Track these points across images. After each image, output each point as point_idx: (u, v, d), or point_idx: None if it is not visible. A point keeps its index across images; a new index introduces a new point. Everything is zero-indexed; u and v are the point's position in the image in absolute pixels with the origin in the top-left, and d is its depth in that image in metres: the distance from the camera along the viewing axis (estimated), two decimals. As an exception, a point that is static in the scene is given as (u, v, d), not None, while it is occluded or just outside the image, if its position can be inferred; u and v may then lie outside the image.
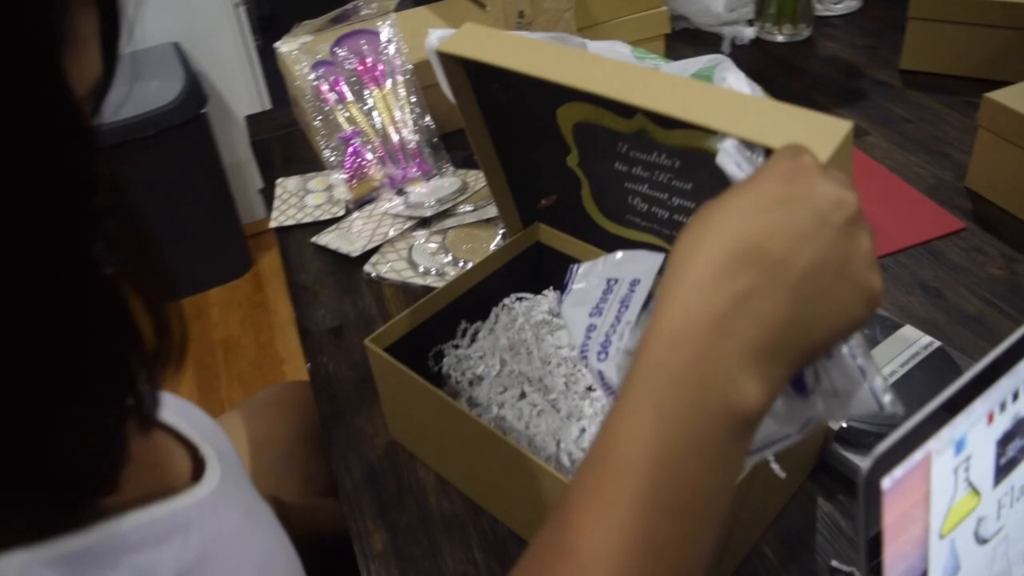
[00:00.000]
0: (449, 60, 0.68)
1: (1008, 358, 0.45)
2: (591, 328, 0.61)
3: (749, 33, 1.38)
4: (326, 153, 1.12)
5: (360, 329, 0.91)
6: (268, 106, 2.50)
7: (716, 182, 0.61)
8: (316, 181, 1.15)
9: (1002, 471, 0.49)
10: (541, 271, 0.84)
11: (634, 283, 0.62)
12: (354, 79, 1.12)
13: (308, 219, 1.08)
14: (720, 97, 0.53)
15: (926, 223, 0.98)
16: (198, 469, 0.49)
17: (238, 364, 2.32)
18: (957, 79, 1.23)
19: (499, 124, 0.75)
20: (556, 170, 0.75)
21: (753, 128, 0.49)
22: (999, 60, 1.19)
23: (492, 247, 0.97)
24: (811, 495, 0.70)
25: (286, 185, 1.15)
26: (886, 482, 0.41)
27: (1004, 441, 0.48)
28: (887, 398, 0.52)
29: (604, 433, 0.39)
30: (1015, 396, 0.47)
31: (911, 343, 0.78)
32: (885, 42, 1.37)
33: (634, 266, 0.64)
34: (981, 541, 0.50)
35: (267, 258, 2.61)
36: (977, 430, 0.45)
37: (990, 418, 0.46)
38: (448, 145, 1.15)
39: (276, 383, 1.27)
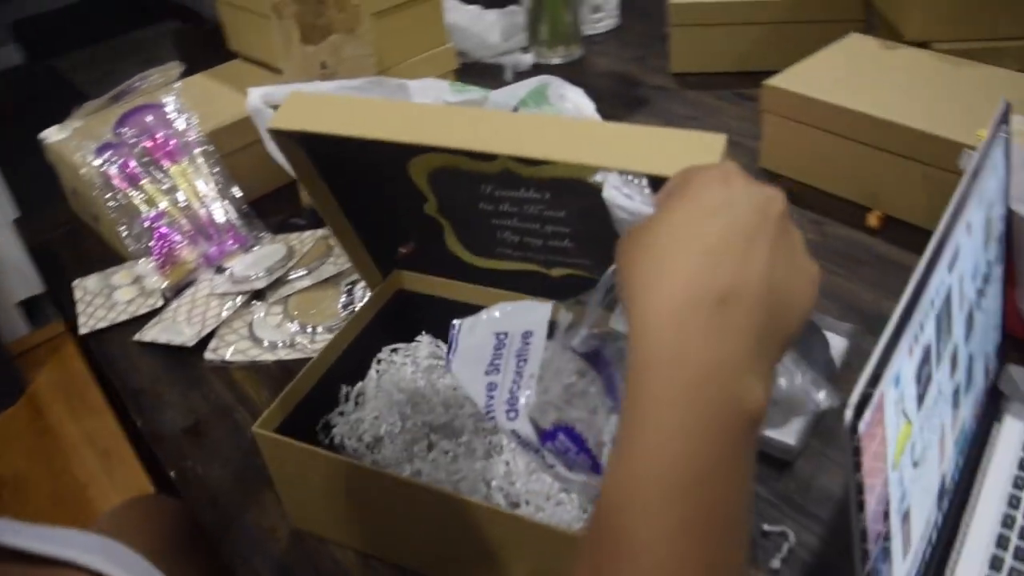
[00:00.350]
0: (281, 134, 0.64)
1: (915, 295, 0.49)
2: (492, 387, 0.58)
3: (528, 59, 1.43)
4: (128, 242, 1.02)
5: (220, 422, 0.84)
6: (13, 214, 2.26)
7: (590, 204, 0.61)
8: (120, 275, 1.05)
9: (920, 397, 0.52)
10: (408, 319, 0.81)
11: (527, 335, 0.59)
12: (146, 158, 1.04)
13: (123, 317, 0.98)
14: (589, 132, 0.53)
15: (738, 204, 1.05)
16: None
17: (33, 502, 2.06)
18: (722, 75, 1.34)
19: (343, 185, 0.71)
20: (413, 219, 0.73)
21: (636, 159, 0.49)
22: (755, 53, 1.32)
23: (339, 305, 0.93)
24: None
25: (85, 286, 1.04)
26: (861, 426, 0.43)
27: (920, 368, 0.51)
28: (821, 394, 0.54)
29: (625, 473, 0.37)
30: (922, 327, 0.51)
31: (769, 311, 0.83)
32: (650, 51, 1.47)
33: (522, 318, 0.60)
34: (915, 465, 0.54)
35: (42, 376, 2.35)
36: (906, 364, 0.48)
37: (910, 351, 0.49)
38: (260, 212, 1.09)
39: (86, 513, 1.13)
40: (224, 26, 1.30)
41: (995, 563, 0.62)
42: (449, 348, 0.60)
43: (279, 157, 0.82)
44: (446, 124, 0.56)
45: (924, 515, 0.58)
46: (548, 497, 0.64)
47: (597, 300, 0.56)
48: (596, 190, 0.58)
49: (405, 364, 0.76)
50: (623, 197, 0.49)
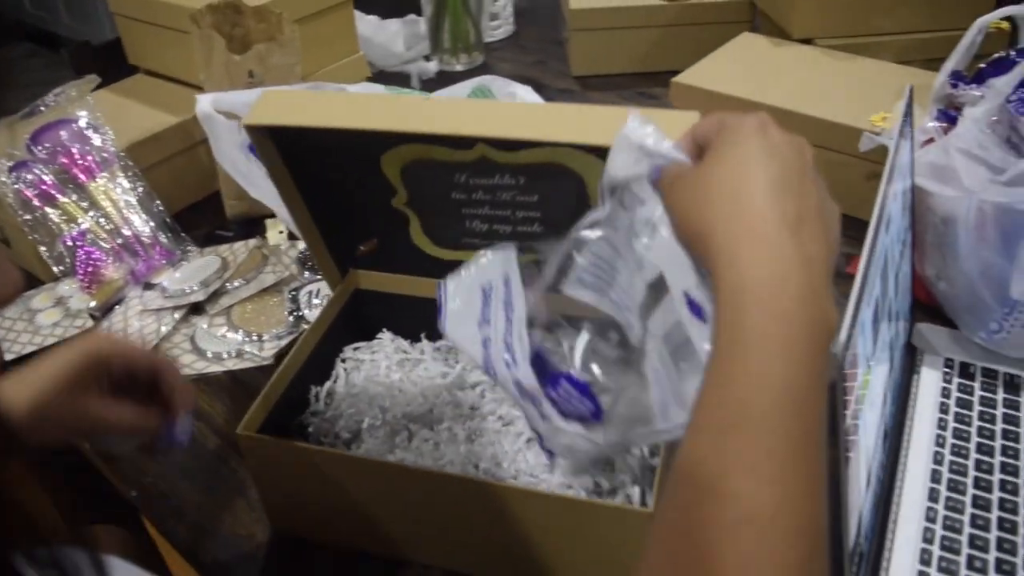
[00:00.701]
0: (256, 130, 0.64)
1: (871, 250, 0.55)
2: (486, 342, 0.59)
3: (432, 67, 1.46)
4: (49, 262, 0.99)
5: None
6: None
7: (563, 187, 0.64)
8: (40, 298, 1.00)
9: (875, 343, 0.59)
10: (366, 318, 0.83)
11: (507, 280, 0.60)
12: (64, 175, 1.00)
13: (51, 340, 0.95)
14: (563, 113, 0.56)
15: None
16: None
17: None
18: (622, 76, 1.41)
19: (311, 181, 0.72)
20: (379, 213, 0.74)
21: (600, 132, 0.53)
22: (652, 54, 1.39)
23: (286, 312, 0.93)
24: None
25: (3, 312, 1.00)
26: (846, 366, 0.48)
27: (874, 319, 0.58)
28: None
29: (728, 395, 0.38)
30: (874, 282, 0.57)
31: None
32: (549, 56, 1.52)
33: (500, 265, 0.61)
34: (870, 407, 0.60)
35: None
36: (866, 313, 0.54)
37: (868, 302, 0.55)
38: (184, 225, 1.07)
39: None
40: (124, 41, 1.27)
41: (932, 495, 0.70)
42: (438, 312, 0.60)
43: (227, 164, 0.82)
44: (425, 112, 0.58)
45: (872, 452, 0.64)
46: (532, 475, 0.67)
47: (546, 283, 0.57)
48: (572, 172, 0.62)
49: (374, 360, 0.77)
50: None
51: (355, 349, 0.80)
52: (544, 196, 0.66)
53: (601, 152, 0.58)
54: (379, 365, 0.76)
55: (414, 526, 0.65)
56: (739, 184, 0.41)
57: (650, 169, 0.47)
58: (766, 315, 0.38)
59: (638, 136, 0.47)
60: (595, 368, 0.57)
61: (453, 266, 0.75)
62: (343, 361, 0.79)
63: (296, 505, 0.69)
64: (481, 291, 0.61)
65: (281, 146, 0.67)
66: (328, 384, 0.76)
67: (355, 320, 0.82)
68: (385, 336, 0.81)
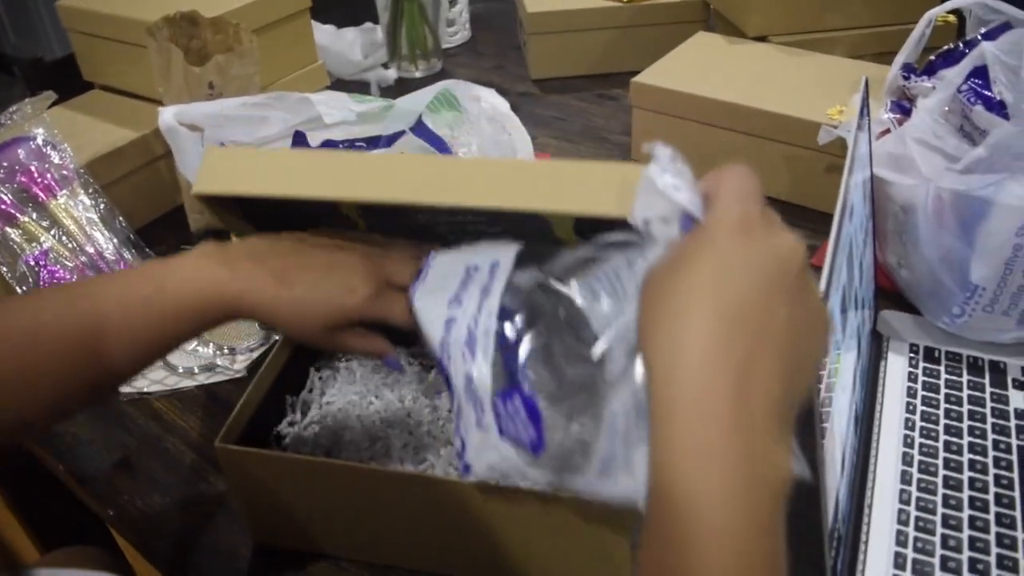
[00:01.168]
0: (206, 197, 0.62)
1: (837, 237, 0.56)
2: (450, 322, 0.54)
3: (391, 75, 1.46)
4: (12, 283, 0.97)
5: (150, 453, 0.81)
6: None
7: (526, 223, 0.58)
8: (3, 320, 0.98)
9: (843, 329, 0.60)
10: None
11: (494, 266, 0.55)
12: (23, 194, 0.98)
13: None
14: (531, 174, 0.53)
15: (620, 194, 1.13)
16: None
17: None
18: (580, 78, 1.43)
19: (270, 225, 0.67)
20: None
21: (572, 199, 0.50)
22: (609, 56, 1.41)
23: (258, 324, 0.92)
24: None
25: (-36, 335, 0.97)
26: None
27: (842, 305, 0.59)
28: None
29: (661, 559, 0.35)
30: (840, 268, 0.58)
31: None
32: (506, 60, 1.53)
33: (494, 251, 0.57)
34: (841, 391, 0.61)
35: None
36: (835, 300, 0.56)
37: (837, 289, 0.57)
38: (148, 240, 1.05)
39: None
40: (78, 57, 1.25)
41: (905, 477, 0.71)
42: (417, 276, 0.58)
43: (191, 177, 0.81)
44: (378, 175, 0.55)
45: (847, 439, 0.66)
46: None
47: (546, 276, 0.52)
48: (540, 216, 0.56)
49: (348, 367, 0.77)
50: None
51: (329, 358, 0.80)
52: (508, 230, 0.62)
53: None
54: (354, 373, 0.76)
55: (397, 531, 0.65)
56: (693, 306, 0.37)
57: (680, 218, 0.42)
58: (695, 470, 0.34)
59: (659, 183, 0.43)
60: (544, 373, 0.52)
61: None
62: (318, 370, 0.78)
63: (277, 516, 0.68)
64: (465, 269, 0.57)
65: (237, 200, 0.64)
66: (303, 394, 0.76)
67: None
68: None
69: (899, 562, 0.65)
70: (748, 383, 0.35)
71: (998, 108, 0.83)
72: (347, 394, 0.75)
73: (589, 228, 0.55)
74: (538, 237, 0.58)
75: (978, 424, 0.76)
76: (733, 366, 0.35)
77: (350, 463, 0.63)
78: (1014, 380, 0.80)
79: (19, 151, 1.00)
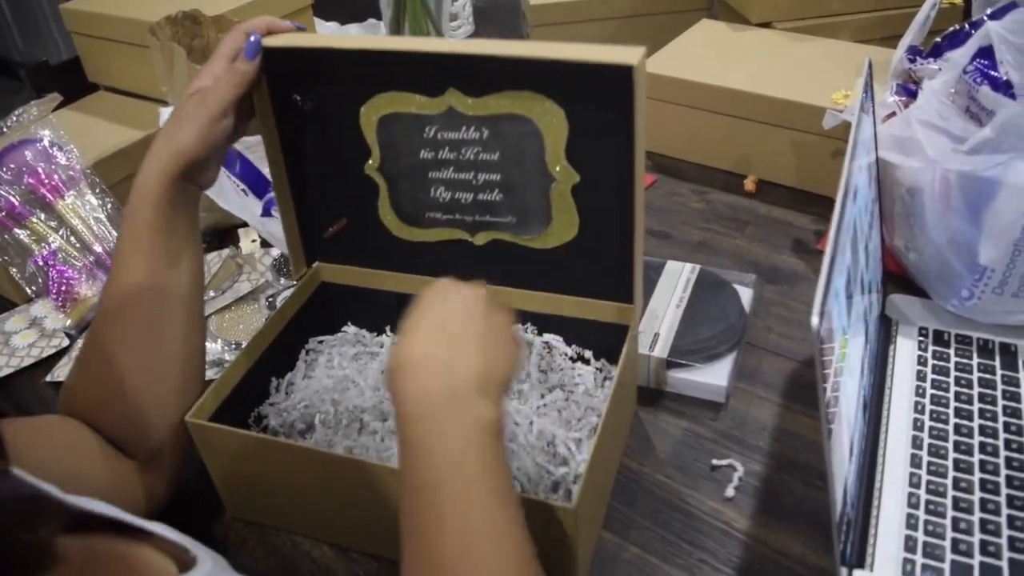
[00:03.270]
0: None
1: (840, 217, 0.56)
2: None
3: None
4: (21, 284, 0.97)
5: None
6: None
7: (525, 145, 0.66)
8: (14, 320, 0.99)
9: (848, 313, 0.60)
10: (329, 310, 0.84)
11: None
12: (31, 196, 0.99)
13: (28, 361, 0.93)
14: (524, 43, 0.62)
15: (626, 184, 1.13)
16: (187, 565, 0.49)
17: None
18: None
19: (295, 143, 0.75)
20: (352, 183, 0.75)
21: (570, 52, 0.59)
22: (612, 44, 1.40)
23: (264, 319, 0.93)
24: (659, 425, 0.78)
25: (-25, 336, 0.98)
26: (823, 332, 0.49)
27: (847, 286, 0.59)
28: None
29: (416, 463, 0.49)
30: (844, 249, 0.58)
31: (680, 272, 0.90)
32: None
33: None
34: (849, 375, 0.61)
35: None
36: (839, 281, 0.55)
37: (840, 271, 0.56)
38: (155, 240, 1.06)
39: None
40: (83, 59, 1.26)
41: (915, 460, 0.71)
42: None
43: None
44: (402, 43, 0.66)
45: (855, 422, 0.65)
46: None
47: None
48: (533, 127, 0.66)
49: (330, 353, 0.79)
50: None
51: (319, 342, 0.81)
52: (506, 154, 0.69)
53: (562, 97, 0.63)
54: (335, 358, 0.77)
55: (359, 515, 0.66)
56: (411, 330, 0.53)
57: None
58: (420, 423, 0.49)
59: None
60: None
61: (416, 249, 0.77)
62: (307, 353, 0.80)
63: (248, 492, 0.70)
64: None
65: (275, 99, 0.71)
66: (289, 375, 0.77)
67: (325, 314, 0.83)
68: (349, 330, 0.82)
69: (910, 545, 0.65)
70: (453, 366, 0.51)
71: (1004, 88, 0.82)
72: (325, 379, 0.76)
73: (580, 153, 0.66)
74: (532, 163, 0.67)
75: (989, 407, 0.75)
76: (438, 370, 0.51)
77: (306, 446, 0.64)
78: (1025, 362, 0.79)
79: (26, 153, 1.00)
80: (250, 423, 0.74)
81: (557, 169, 0.68)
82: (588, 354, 0.77)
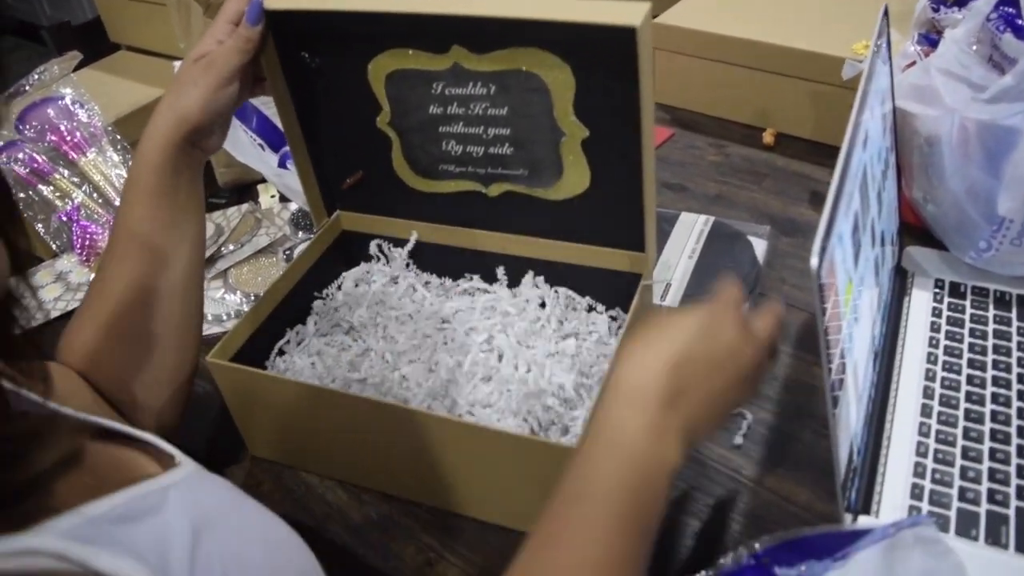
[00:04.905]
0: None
1: (845, 163, 0.55)
2: None
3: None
4: (47, 239, 1.00)
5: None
6: None
7: (532, 100, 0.66)
8: (41, 274, 1.01)
9: (855, 258, 0.59)
10: (352, 258, 0.85)
11: None
12: (54, 152, 1.01)
13: (55, 314, 0.96)
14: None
15: (643, 139, 1.12)
16: (169, 462, 0.51)
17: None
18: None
19: (307, 101, 0.75)
20: (365, 137, 0.76)
21: (573, 12, 0.58)
22: None
23: (282, 271, 0.94)
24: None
25: (4, 290, 1.01)
26: (823, 274, 0.49)
27: (853, 232, 0.58)
28: None
29: (578, 473, 0.49)
30: (851, 195, 0.58)
31: (693, 224, 0.89)
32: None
33: None
34: (856, 321, 0.61)
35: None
36: (844, 225, 0.55)
37: (846, 214, 0.56)
38: (177, 196, 1.07)
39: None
40: (104, 19, 1.27)
41: (925, 410, 0.71)
42: None
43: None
44: (408, 3, 0.65)
45: (864, 370, 0.65)
46: (487, 405, 0.70)
47: None
48: (540, 83, 0.66)
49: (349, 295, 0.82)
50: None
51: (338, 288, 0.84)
52: (514, 109, 0.69)
53: (567, 54, 0.63)
54: (351, 311, 0.80)
55: (372, 456, 0.68)
56: (662, 338, 0.52)
57: None
58: (619, 428, 0.49)
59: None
60: None
61: (431, 200, 0.78)
62: (328, 296, 0.83)
63: (266, 431, 0.72)
64: None
65: (283, 58, 0.71)
66: (298, 327, 0.80)
67: (344, 261, 0.86)
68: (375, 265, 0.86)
69: (916, 493, 0.65)
70: (674, 405, 0.50)
71: (1028, 35, 0.80)
72: (336, 333, 0.79)
73: (588, 108, 0.65)
74: (541, 118, 0.67)
75: (1003, 358, 0.74)
76: (670, 388, 0.50)
77: (325, 387, 0.66)
78: (1042, 314, 0.78)
79: (48, 111, 1.02)
80: (267, 365, 0.76)
81: (566, 124, 0.68)
82: (601, 307, 0.78)
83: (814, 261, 0.47)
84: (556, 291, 0.77)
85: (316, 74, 0.73)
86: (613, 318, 0.77)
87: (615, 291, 0.76)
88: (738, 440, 0.71)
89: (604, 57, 0.60)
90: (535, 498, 0.63)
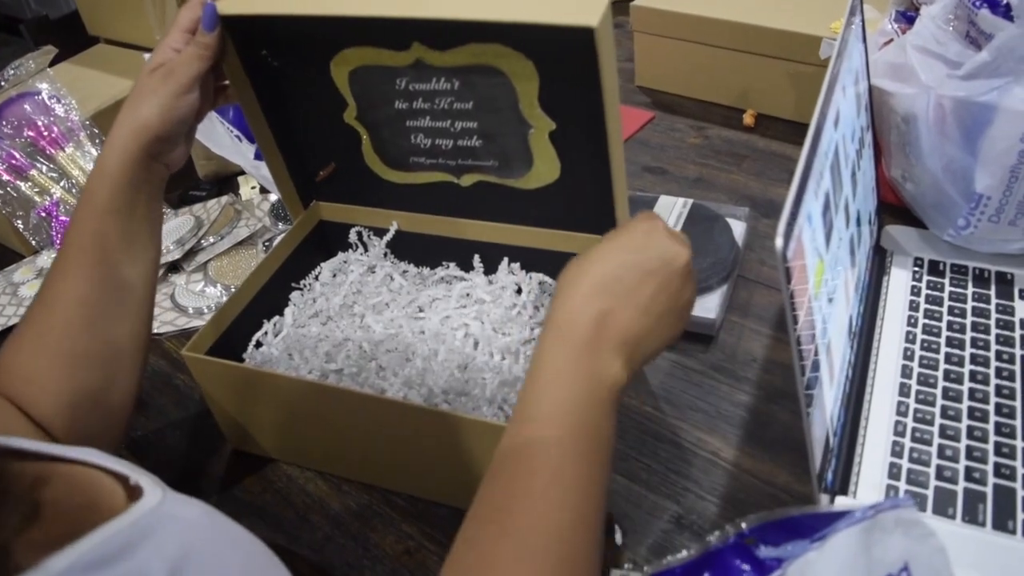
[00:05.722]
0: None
1: (814, 143, 0.55)
2: None
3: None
4: (26, 235, 0.99)
5: (162, 390, 0.84)
6: None
7: (497, 94, 0.66)
8: (22, 271, 1.01)
9: (827, 238, 0.59)
10: (331, 248, 0.85)
11: None
12: (31, 148, 1.00)
13: (35, 310, 0.95)
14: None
15: (625, 122, 1.11)
16: (135, 492, 0.46)
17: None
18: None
19: (272, 99, 0.74)
20: (334, 132, 0.75)
21: (530, 11, 0.56)
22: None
23: (261, 264, 0.94)
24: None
25: (-16, 287, 1.01)
26: (789, 254, 0.48)
27: (824, 212, 0.58)
28: None
29: (523, 405, 0.51)
30: (821, 175, 0.57)
31: (672, 207, 0.89)
32: None
33: None
34: (830, 301, 0.61)
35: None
36: (814, 205, 0.55)
37: (816, 195, 0.56)
38: (157, 190, 1.07)
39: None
40: (81, 11, 1.26)
41: (903, 390, 0.71)
42: None
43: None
44: (367, 1, 0.63)
45: (840, 351, 0.65)
46: (462, 394, 0.70)
47: None
48: (503, 76, 0.65)
49: (324, 296, 0.81)
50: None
51: (315, 278, 0.84)
52: (479, 103, 0.68)
53: (529, 50, 0.62)
54: (328, 300, 0.80)
55: (343, 443, 0.68)
56: (589, 263, 0.55)
57: None
58: (555, 355, 0.51)
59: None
60: None
61: (405, 191, 0.78)
62: (302, 293, 0.82)
63: (244, 424, 0.72)
64: None
65: (244, 56, 0.69)
66: (276, 319, 0.80)
67: (322, 250, 0.85)
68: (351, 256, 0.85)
69: (894, 472, 0.65)
70: (603, 325, 0.52)
71: (1004, 11, 0.80)
72: (313, 324, 0.79)
73: (553, 101, 0.65)
74: (507, 111, 0.66)
75: (981, 336, 0.74)
76: (595, 311, 0.52)
77: (300, 378, 0.66)
78: (1021, 291, 0.78)
79: (25, 106, 1.02)
80: (244, 358, 0.76)
81: (532, 117, 0.67)
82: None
83: (779, 242, 0.47)
84: (530, 276, 0.77)
85: (279, 73, 0.72)
86: (590, 305, 0.77)
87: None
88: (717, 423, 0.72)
89: (565, 55, 0.60)
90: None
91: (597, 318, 0.52)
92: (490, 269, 0.80)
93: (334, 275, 0.83)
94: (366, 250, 0.84)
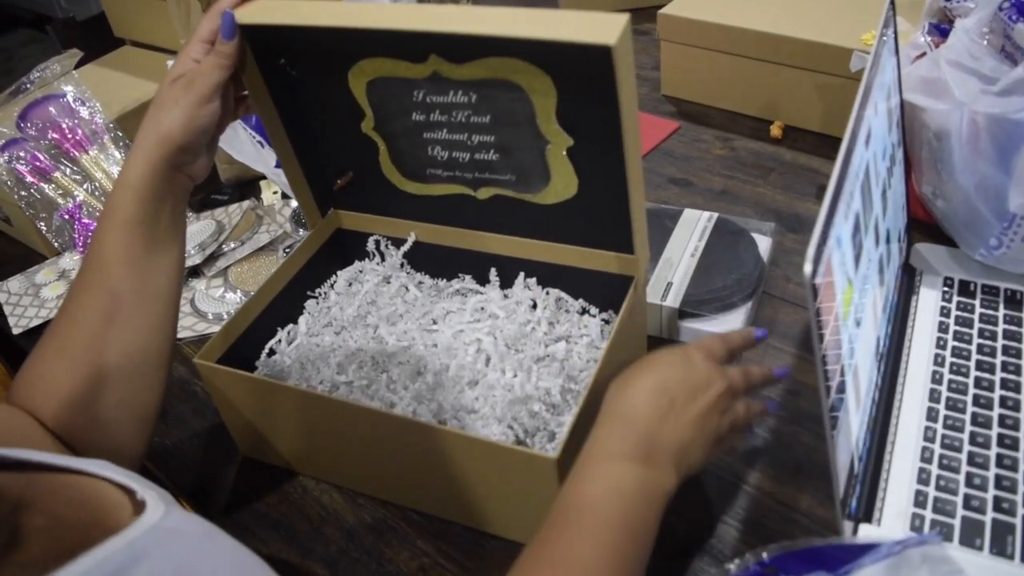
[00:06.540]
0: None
1: (844, 164, 0.54)
2: None
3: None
4: (49, 237, 1.00)
5: (180, 396, 0.84)
6: None
7: (515, 108, 0.65)
8: (44, 272, 1.02)
9: (856, 260, 0.58)
10: (348, 256, 0.85)
11: None
12: (56, 150, 1.01)
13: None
14: (505, 12, 0.57)
15: (650, 132, 1.10)
16: (139, 507, 0.46)
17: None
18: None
19: (291, 108, 0.74)
20: (352, 141, 0.75)
21: (548, 28, 0.55)
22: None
23: (281, 271, 0.94)
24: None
25: (8, 288, 1.01)
26: (817, 278, 0.47)
27: (853, 233, 0.57)
28: None
29: (570, 496, 0.53)
30: (851, 196, 0.56)
31: (696, 220, 0.88)
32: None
33: None
34: (857, 324, 0.59)
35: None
36: (843, 228, 0.54)
37: (845, 216, 0.54)
38: (179, 193, 1.07)
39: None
40: (108, 14, 1.27)
41: (931, 414, 0.69)
42: None
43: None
44: (381, 16, 0.61)
45: (867, 374, 0.64)
46: (471, 411, 0.69)
47: None
48: (521, 91, 0.64)
49: (338, 306, 0.80)
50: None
51: (331, 286, 0.83)
52: (497, 117, 0.67)
53: (547, 66, 0.60)
54: (343, 310, 0.80)
55: (356, 457, 0.68)
56: (642, 373, 0.58)
57: None
58: (611, 456, 0.54)
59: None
60: None
61: (422, 202, 0.77)
62: (317, 302, 0.82)
63: (257, 433, 0.72)
64: None
65: (262, 66, 0.69)
66: (290, 327, 0.80)
67: (340, 259, 0.85)
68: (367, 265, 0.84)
69: (920, 500, 0.63)
70: (658, 430, 0.55)
71: (1042, 25, 0.78)
72: (327, 333, 0.78)
73: (571, 117, 0.64)
74: (524, 126, 0.66)
75: (1012, 360, 0.72)
76: (653, 414, 0.55)
77: (308, 390, 0.66)
78: (1054, 313, 0.76)
79: (50, 109, 1.02)
80: (257, 365, 0.76)
81: (549, 132, 0.66)
82: (594, 310, 0.77)
83: (808, 267, 0.46)
84: (547, 292, 0.76)
85: (298, 83, 0.71)
86: (606, 321, 0.76)
87: (608, 293, 0.74)
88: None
89: (583, 72, 0.59)
90: (519, 507, 0.63)
91: (659, 413, 0.55)
92: (506, 283, 0.79)
93: (349, 284, 0.82)
94: (383, 259, 0.83)
